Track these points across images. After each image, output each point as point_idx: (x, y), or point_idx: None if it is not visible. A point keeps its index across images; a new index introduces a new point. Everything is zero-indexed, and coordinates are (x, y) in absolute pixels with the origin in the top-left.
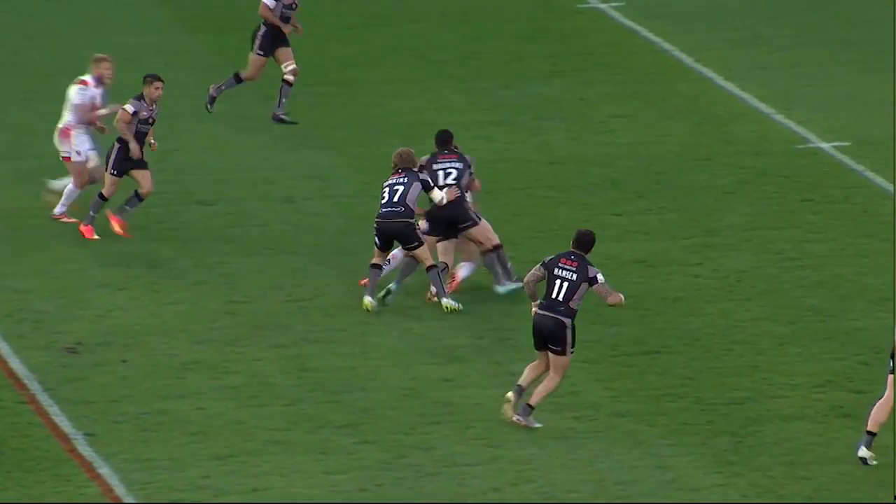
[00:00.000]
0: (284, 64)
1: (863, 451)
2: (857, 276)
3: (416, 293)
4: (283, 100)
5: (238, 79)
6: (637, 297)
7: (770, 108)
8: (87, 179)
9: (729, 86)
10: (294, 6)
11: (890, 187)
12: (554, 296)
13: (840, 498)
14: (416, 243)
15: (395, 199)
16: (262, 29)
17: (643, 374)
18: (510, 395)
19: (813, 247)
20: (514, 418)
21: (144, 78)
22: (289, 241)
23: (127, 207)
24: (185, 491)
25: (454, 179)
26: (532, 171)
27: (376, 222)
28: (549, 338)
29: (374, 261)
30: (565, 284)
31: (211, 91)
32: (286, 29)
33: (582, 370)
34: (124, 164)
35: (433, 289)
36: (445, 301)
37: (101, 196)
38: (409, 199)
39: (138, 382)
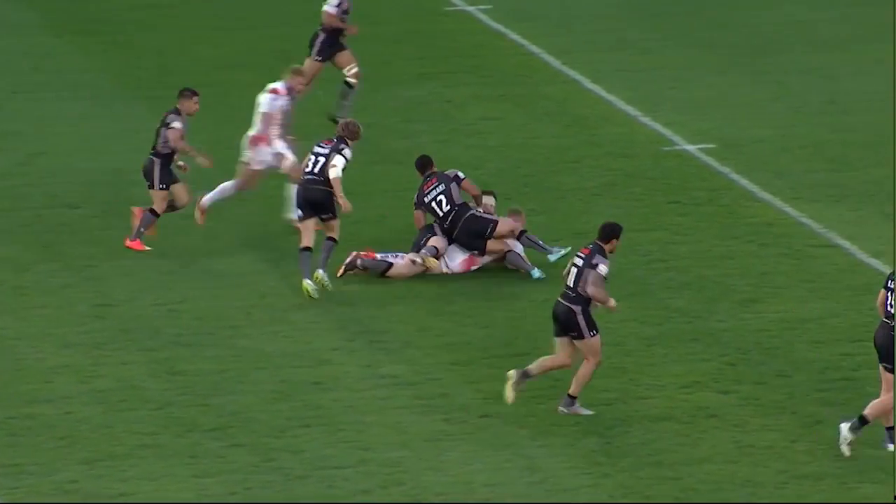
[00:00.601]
0: (347, 67)
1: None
2: (723, 277)
3: (286, 296)
4: (346, 102)
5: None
6: (506, 300)
7: (637, 111)
8: (250, 187)
9: (596, 88)
10: (349, 11)
11: (754, 189)
12: (568, 282)
13: (706, 498)
14: (331, 214)
15: (317, 169)
16: (322, 36)
17: None
18: (512, 372)
19: (679, 248)
20: (560, 410)
21: (182, 92)
22: (158, 244)
23: (142, 230)
24: (52, 495)
25: (447, 205)
26: (401, 173)
27: (299, 187)
28: (564, 325)
29: (303, 244)
30: (574, 270)
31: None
32: (351, 30)
33: (452, 372)
34: (168, 177)
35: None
36: (320, 273)
37: (153, 212)
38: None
39: (5, 387)
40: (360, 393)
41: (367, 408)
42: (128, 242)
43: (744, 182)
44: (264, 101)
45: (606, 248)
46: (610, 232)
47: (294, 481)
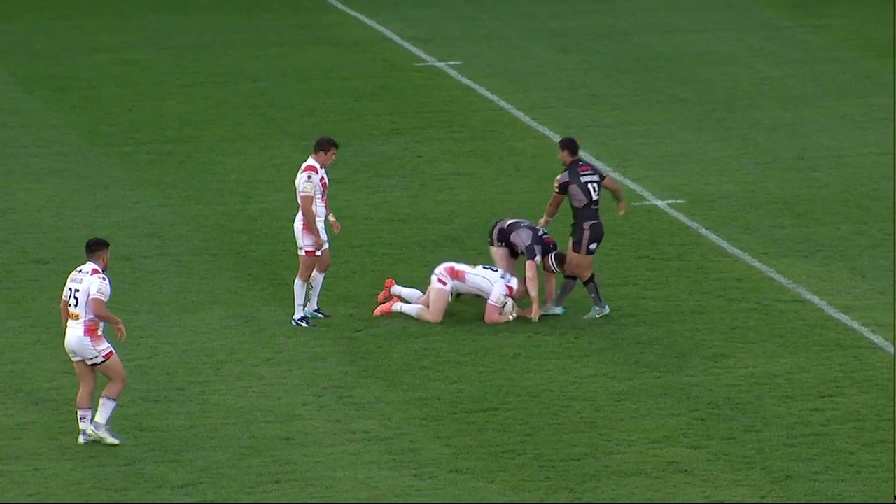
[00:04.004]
0: None
1: None
2: (693, 332)
3: (256, 351)
4: None
5: None
6: (476, 354)
7: (606, 166)
8: None
9: None
10: None
11: (724, 244)
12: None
13: None
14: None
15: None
16: None
17: (483, 430)
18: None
19: (649, 303)
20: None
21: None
22: (127, 299)
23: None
24: None
25: (597, 195)
26: (371, 228)
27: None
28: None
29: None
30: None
31: None
32: None
33: (422, 427)
34: None
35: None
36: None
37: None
38: None
39: None
40: (330, 448)
41: (338, 463)
42: None
43: (713, 237)
44: None
45: None
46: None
47: None
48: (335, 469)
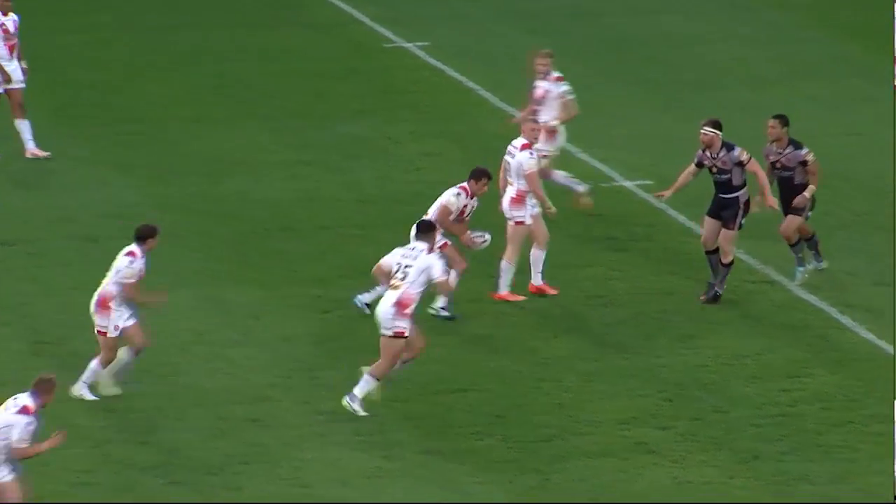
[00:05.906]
0: None
1: None
2: (661, 313)
3: (223, 332)
4: None
5: None
6: (444, 336)
7: (575, 147)
8: None
9: None
10: None
11: (692, 224)
12: None
13: None
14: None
15: None
16: None
17: (451, 411)
18: None
19: (617, 284)
20: None
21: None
22: (92, 280)
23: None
24: None
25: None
26: (340, 209)
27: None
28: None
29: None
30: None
31: None
32: None
33: (390, 409)
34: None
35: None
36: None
37: None
38: None
39: None
40: (299, 430)
41: (306, 444)
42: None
43: (681, 218)
44: None
45: None
46: None
47: None
48: (304, 450)
